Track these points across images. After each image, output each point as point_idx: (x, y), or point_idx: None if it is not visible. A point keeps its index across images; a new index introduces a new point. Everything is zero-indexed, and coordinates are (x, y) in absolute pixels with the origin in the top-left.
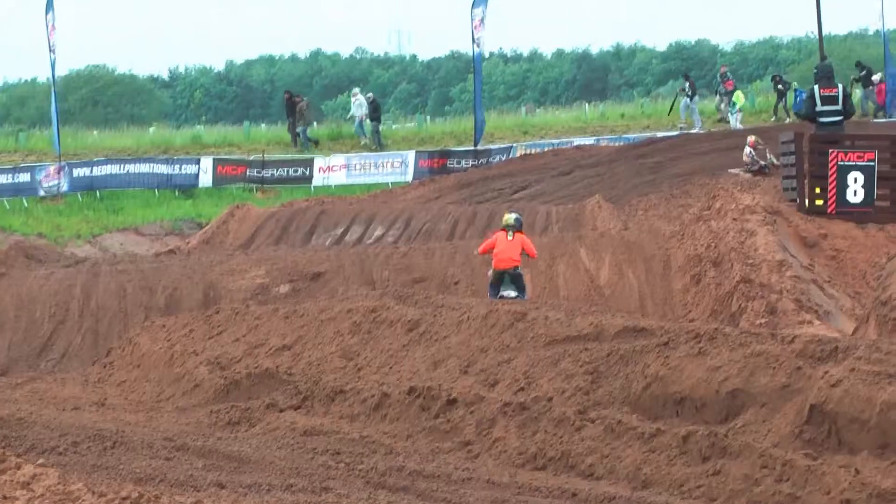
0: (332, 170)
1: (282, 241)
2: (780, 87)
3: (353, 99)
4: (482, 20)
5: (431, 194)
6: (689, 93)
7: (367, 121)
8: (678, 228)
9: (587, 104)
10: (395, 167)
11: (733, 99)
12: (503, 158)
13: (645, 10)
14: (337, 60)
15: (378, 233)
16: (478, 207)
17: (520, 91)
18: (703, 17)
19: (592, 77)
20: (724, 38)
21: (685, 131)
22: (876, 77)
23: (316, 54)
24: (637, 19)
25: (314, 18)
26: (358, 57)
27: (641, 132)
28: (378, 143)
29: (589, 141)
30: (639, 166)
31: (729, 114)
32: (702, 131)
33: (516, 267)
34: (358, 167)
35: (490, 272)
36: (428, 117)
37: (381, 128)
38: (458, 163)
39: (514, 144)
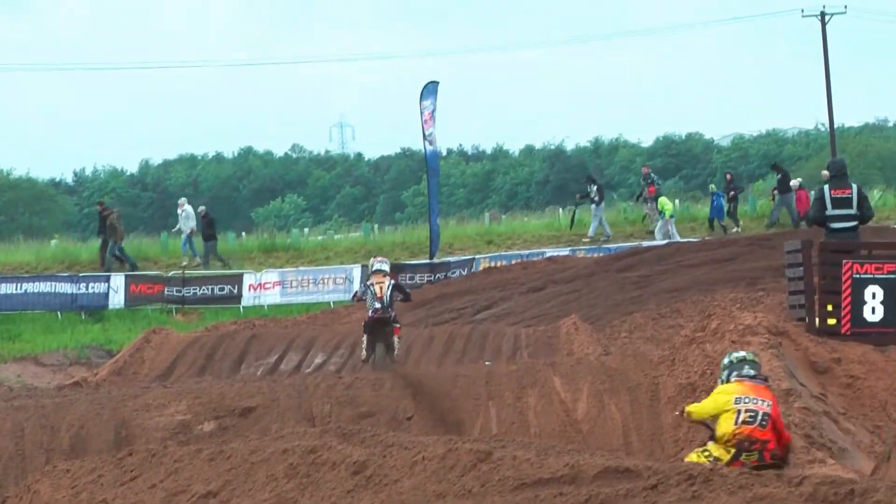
0: (265, 287)
1: (206, 370)
2: (731, 191)
3: (179, 210)
4: (433, 114)
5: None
6: (596, 199)
7: (199, 238)
8: (668, 353)
9: (561, 209)
10: (339, 284)
11: (658, 206)
12: (464, 273)
13: (626, 101)
14: (269, 160)
15: (318, 360)
16: (434, 330)
17: (483, 195)
18: (694, 108)
19: (567, 178)
20: (720, 131)
21: (599, 243)
22: (795, 182)
23: (246, 153)
24: (617, 112)
25: (242, 112)
26: (294, 156)
27: (624, 241)
28: (223, 263)
29: (563, 252)
30: (622, 281)
31: (658, 221)
32: (684, 241)
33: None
34: (294, 284)
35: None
36: (376, 225)
37: (217, 247)
38: (412, 278)
39: (477, 256)
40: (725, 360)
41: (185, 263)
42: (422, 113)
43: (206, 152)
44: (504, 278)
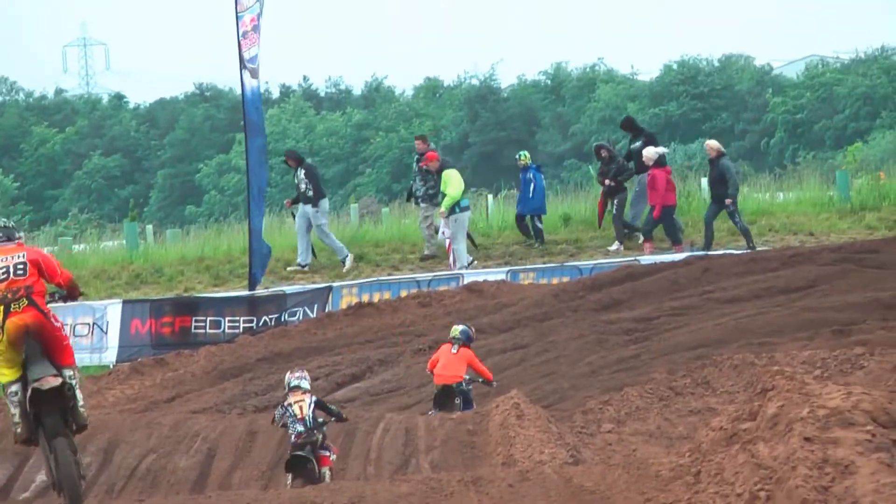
0: None
1: None
2: (613, 173)
3: None
4: (258, 21)
5: (157, 393)
6: (306, 189)
7: None
8: (689, 460)
9: (490, 196)
10: (81, 336)
11: (441, 188)
12: (311, 314)
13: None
14: None
15: (40, 480)
16: (260, 420)
17: (348, 168)
18: (733, 16)
19: (502, 138)
20: (783, 53)
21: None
22: (652, 153)
23: None
24: (596, 23)
25: None
26: None
27: (606, 256)
28: None
29: (497, 275)
30: (604, 328)
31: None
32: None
33: (460, 383)
34: None
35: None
36: (150, 227)
37: None
38: (217, 324)
39: (336, 284)
40: None
41: None
42: (238, 20)
43: None
44: (386, 324)
